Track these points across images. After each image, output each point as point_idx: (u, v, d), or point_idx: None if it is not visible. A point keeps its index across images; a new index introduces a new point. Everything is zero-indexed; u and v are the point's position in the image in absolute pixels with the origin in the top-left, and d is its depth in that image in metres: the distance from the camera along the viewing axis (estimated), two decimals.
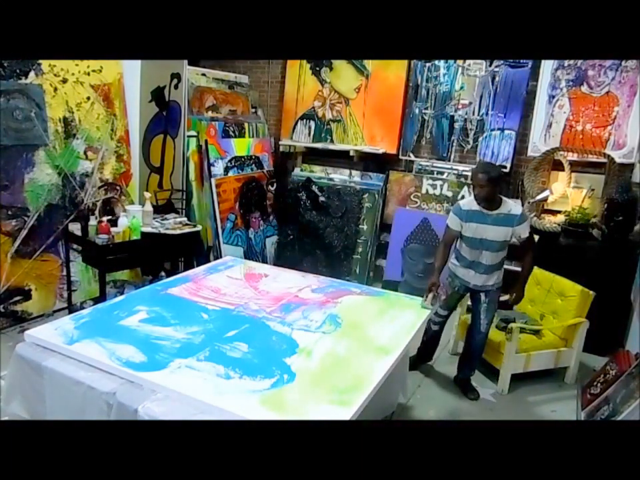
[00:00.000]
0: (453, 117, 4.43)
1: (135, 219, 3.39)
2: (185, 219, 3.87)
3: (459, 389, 3.02)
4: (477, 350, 2.98)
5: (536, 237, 3.86)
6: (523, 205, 4.20)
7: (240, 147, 4.66)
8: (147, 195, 3.65)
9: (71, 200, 3.64)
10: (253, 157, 4.82)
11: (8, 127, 3.17)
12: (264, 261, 4.76)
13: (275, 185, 5.07)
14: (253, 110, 5.20)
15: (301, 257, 4.83)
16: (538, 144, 4.12)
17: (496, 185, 2.63)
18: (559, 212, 4.00)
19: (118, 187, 3.93)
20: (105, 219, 3.40)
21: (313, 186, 4.87)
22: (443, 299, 3.05)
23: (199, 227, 3.81)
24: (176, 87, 4.12)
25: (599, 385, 2.84)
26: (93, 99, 3.71)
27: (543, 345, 3.07)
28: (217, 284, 2.72)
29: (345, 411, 1.62)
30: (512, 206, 2.75)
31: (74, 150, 3.62)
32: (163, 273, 3.93)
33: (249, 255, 4.66)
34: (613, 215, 3.51)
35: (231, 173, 4.51)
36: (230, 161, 4.51)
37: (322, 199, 4.80)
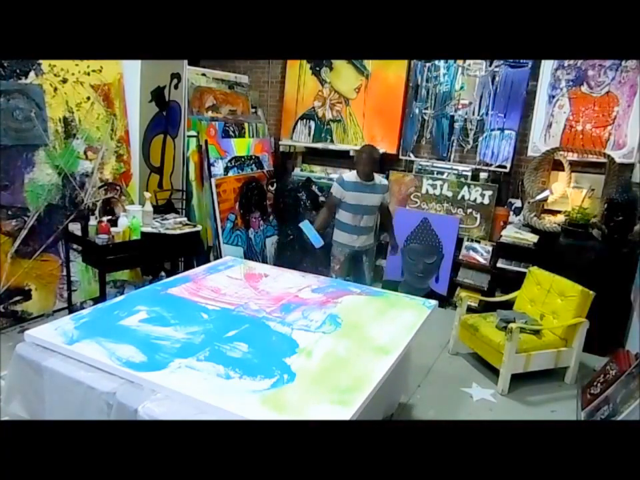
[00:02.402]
0: (453, 116, 4.43)
1: (135, 219, 3.39)
2: (185, 219, 3.87)
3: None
4: None
5: (536, 237, 3.88)
6: (522, 205, 4.21)
7: (240, 147, 4.66)
8: (147, 195, 3.65)
9: (71, 200, 3.64)
10: (253, 157, 4.82)
11: (8, 127, 3.17)
12: (264, 261, 4.76)
13: (275, 184, 5.07)
14: (253, 110, 5.20)
15: (300, 256, 4.83)
16: (538, 144, 4.12)
17: (376, 162, 3.50)
18: (559, 212, 4.00)
19: (118, 187, 3.93)
20: (105, 218, 3.40)
21: (313, 186, 4.87)
22: (337, 269, 3.59)
23: (199, 227, 3.81)
24: (176, 87, 4.12)
25: (598, 384, 2.84)
26: (93, 99, 3.71)
27: (543, 345, 3.07)
28: (217, 284, 2.72)
29: (345, 410, 1.62)
30: (380, 178, 3.56)
31: (74, 150, 3.62)
32: (163, 273, 3.93)
33: (249, 254, 4.66)
34: (613, 215, 3.50)
35: (231, 173, 4.51)
36: (230, 160, 4.51)
37: (322, 198, 4.80)
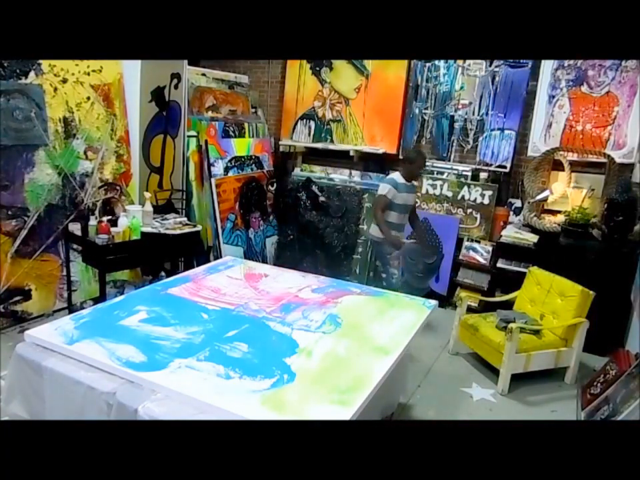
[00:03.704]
0: (453, 117, 4.43)
1: (135, 219, 3.39)
2: (185, 218, 3.87)
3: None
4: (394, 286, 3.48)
5: (536, 237, 3.88)
6: (522, 205, 4.21)
7: (240, 147, 4.66)
8: (147, 195, 3.65)
9: (71, 200, 3.64)
10: (253, 157, 4.82)
11: (8, 127, 3.17)
12: (264, 261, 4.76)
13: (275, 184, 5.07)
14: (253, 110, 5.20)
15: (300, 256, 4.83)
16: (538, 144, 4.12)
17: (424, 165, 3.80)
18: (559, 212, 4.00)
19: (118, 187, 3.93)
20: (105, 218, 3.40)
21: (313, 186, 4.87)
22: (397, 264, 3.68)
23: (199, 227, 3.81)
24: (176, 87, 4.12)
25: (598, 384, 2.84)
26: (93, 99, 3.71)
27: (543, 345, 3.07)
28: (217, 284, 2.72)
29: (345, 410, 1.62)
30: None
31: (74, 150, 3.62)
32: (163, 273, 3.93)
33: (249, 255, 4.66)
34: (613, 214, 3.50)
35: (231, 173, 4.51)
36: (230, 161, 4.51)
37: (322, 198, 4.80)
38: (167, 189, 4.19)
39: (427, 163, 4.55)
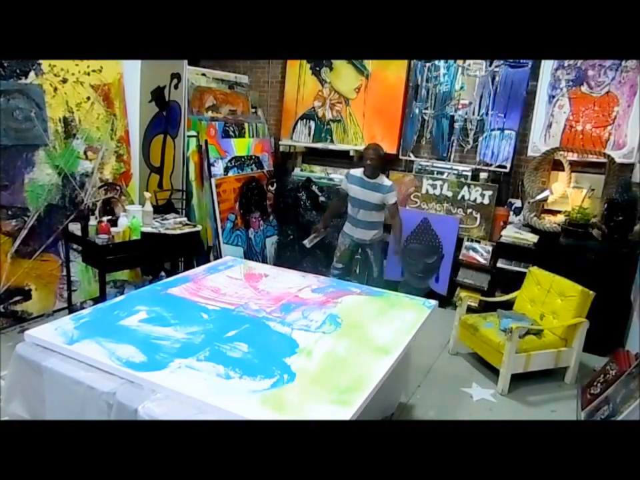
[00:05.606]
0: (453, 117, 4.43)
1: (135, 219, 3.39)
2: (185, 218, 3.87)
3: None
4: None
5: (536, 237, 3.88)
6: (522, 205, 4.21)
7: (240, 146, 4.66)
8: (147, 195, 3.65)
9: (71, 200, 3.64)
10: (253, 157, 4.82)
11: (8, 127, 3.17)
12: (264, 261, 4.76)
13: (275, 184, 5.07)
14: (253, 110, 5.20)
15: (300, 256, 4.83)
16: (538, 144, 4.11)
17: (380, 161, 3.73)
18: (559, 212, 4.00)
19: (118, 187, 3.93)
20: (105, 218, 3.40)
21: (313, 186, 4.87)
22: (338, 255, 4.03)
23: (199, 227, 3.81)
24: (176, 87, 4.12)
25: (598, 384, 2.84)
26: (93, 99, 3.71)
27: (543, 345, 3.07)
28: (217, 284, 2.72)
29: (345, 410, 1.62)
30: (384, 179, 3.77)
31: (74, 150, 3.62)
32: (163, 273, 3.93)
33: (249, 255, 4.66)
34: (613, 214, 3.50)
35: (230, 173, 4.51)
36: (230, 160, 4.51)
37: (322, 198, 4.80)
38: (167, 189, 4.19)
39: (427, 163, 4.58)
